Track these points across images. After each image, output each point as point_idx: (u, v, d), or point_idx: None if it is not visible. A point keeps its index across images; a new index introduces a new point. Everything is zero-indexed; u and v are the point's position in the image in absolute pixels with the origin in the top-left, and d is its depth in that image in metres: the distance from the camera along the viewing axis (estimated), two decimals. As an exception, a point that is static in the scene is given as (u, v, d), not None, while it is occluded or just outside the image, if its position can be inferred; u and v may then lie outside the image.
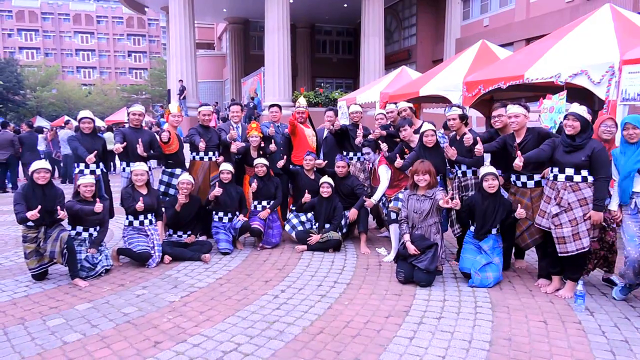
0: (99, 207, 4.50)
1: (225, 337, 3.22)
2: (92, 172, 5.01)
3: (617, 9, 6.16)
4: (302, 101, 6.31)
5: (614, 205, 3.75)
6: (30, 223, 4.23)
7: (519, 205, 4.16)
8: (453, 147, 4.62)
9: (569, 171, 3.81)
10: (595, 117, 5.19)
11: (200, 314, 3.64)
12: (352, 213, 5.45)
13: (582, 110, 3.81)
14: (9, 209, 6.09)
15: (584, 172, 3.76)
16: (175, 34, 19.40)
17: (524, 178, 4.22)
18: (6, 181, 10.97)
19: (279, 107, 6.30)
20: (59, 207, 4.29)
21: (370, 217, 5.90)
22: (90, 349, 3.06)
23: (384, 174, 5.33)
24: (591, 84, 5.31)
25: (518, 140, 4.21)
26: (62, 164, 12.59)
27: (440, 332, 3.32)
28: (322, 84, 23.45)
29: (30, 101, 43.47)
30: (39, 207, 4.13)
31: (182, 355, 2.98)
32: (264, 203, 5.67)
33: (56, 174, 13.05)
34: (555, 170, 3.90)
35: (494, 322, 3.47)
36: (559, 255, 3.87)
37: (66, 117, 24.85)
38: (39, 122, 22.94)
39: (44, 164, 4.40)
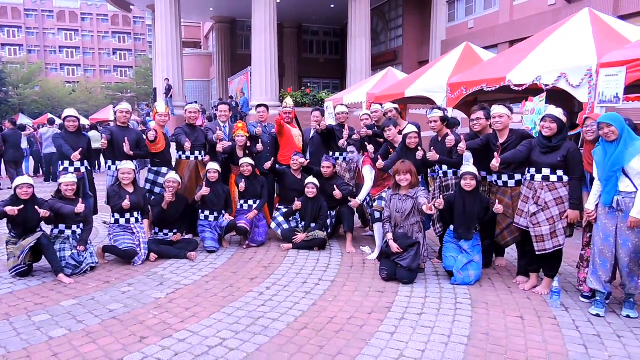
0: (80, 207, 4.55)
1: (210, 333, 3.28)
2: (77, 170, 5.01)
3: (596, 13, 6.34)
4: (289, 101, 6.37)
5: (590, 204, 3.76)
6: (12, 233, 4.41)
7: (497, 202, 4.28)
8: (433, 150, 4.73)
9: (546, 171, 3.94)
10: (574, 120, 5.34)
11: (185, 310, 3.68)
12: (337, 193, 5.50)
13: (558, 112, 3.94)
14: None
15: (560, 172, 3.89)
16: (162, 32, 19.28)
17: (505, 177, 4.34)
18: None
19: (267, 107, 6.37)
20: (38, 208, 4.35)
21: (356, 216, 5.98)
22: (76, 344, 3.09)
23: (368, 174, 5.42)
24: (570, 87, 5.46)
25: (501, 140, 4.33)
26: (43, 163, 12.46)
27: (421, 327, 3.41)
28: (309, 84, 23.46)
29: (12, 98, 42.71)
30: (21, 205, 4.22)
31: (167, 350, 3.03)
32: (250, 202, 5.72)
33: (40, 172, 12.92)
34: (533, 170, 4.03)
35: (472, 318, 3.57)
36: (537, 253, 4.00)
37: (49, 115, 24.54)
38: (22, 119, 22.56)
39: (27, 179, 4.49)
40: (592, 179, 3.79)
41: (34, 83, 46.49)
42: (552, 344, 3.15)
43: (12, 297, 3.92)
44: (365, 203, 5.68)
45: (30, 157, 13.49)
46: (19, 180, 4.46)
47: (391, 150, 5.20)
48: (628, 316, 3.57)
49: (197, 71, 31.98)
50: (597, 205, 3.72)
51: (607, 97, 5.17)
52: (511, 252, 5.11)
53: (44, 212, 4.35)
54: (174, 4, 19.24)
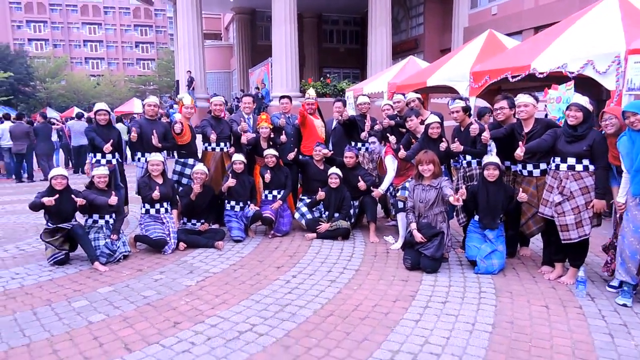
0: (113, 199, 4.74)
1: (240, 319, 3.40)
2: (109, 162, 5.19)
3: (625, -3, 6.18)
4: (311, 92, 6.43)
5: (621, 197, 3.70)
6: (49, 224, 4.60)
7: (521, 190, 4.28)
8: (457, 140, 4.73)
9: (571, 160, 3.92)
10: (602, 107, 5.27)
11: (216, 297, 3.82)
12: (362, 184, 5.54)
13: (584, 100, 3.91)
14: (27, 199, 6.30)
15: (586, 162, 3.87)
16: (183, 25, 19.49)
17: (529, 167, 4.33)
18: (22, 171, 11.23)
19: (290, 98, 6.44)
20: (74, 197, 4.54)
21: (379, 206, 6.04)
22: (115, 328, 3.26)
23: (391, 164, 5.46)
24: (597, 74, 5.37)
25: (526, 129, 4.31)
26: (72, 155, 12.83)
27: (445, 315, 3.47)
28: (330, 74, 23.44)
29: (40, 92, 43.85)
30: (57, 195, 4.42)
31: (200, 334, 3.16)
32: (275, 192, 5.83)
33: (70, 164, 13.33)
34: (558, 159, 4.01)
35: (497, 307, 3.61)
36: (562, 242, 3.99)
37: (76, 109, 25.10)
38: (50, 113, 23.21)
39: (61, 170, 4.69)
40: (620, 172, 3.74)
41: (60, 77, 47.60)
42: (578, 333, 3.17)
43: (52, 284, 4.13)
44: (388, 193, 5.72)
45: (60, 150, 13.89)
46: (54, 172, 4.65)
47: (413, 140, 5.23)
48: None
49: (217, 63, 32.24)
50: (626, 197, 3.65)
51: (636, 84, 5.08)
52: (536, 243, 5.10)
53: (80, 201, 4.54)
54: (196, -4, 19.41)
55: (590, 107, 3.91)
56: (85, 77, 52.34)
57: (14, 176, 11.26)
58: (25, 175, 11.24)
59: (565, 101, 5.71)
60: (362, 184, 5.54)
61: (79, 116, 13.26)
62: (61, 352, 2.94)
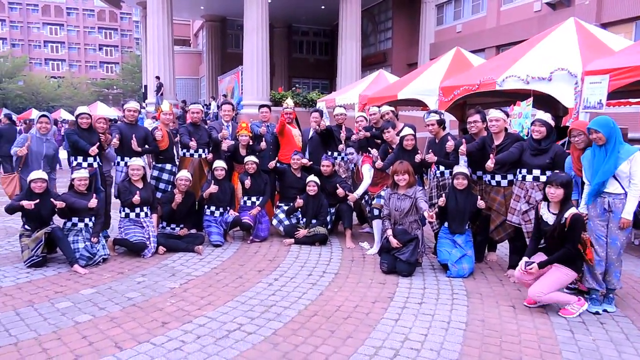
0: (93, 202, 4.76)
1: (228, 319, 3.51)
2: (90, 165, 5.19)
3: (581, 23, 6.70)
4: (289, 102, 6.61)
5: (582, 207, 3.96)
6: (26, 227, 4.64)
7: (493, 201, 4.59)
8: (431, 151, 5.02)
9: (536, 172, 4.26)
10: (558, 123, 5.66)
11: (201, 299, 3.91)
12: (341, 191, 5.77)
13: (547, 117, 4.27)
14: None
15: (549, 173, 4.19)
16: (153, 29, 19.30)
17: (498, 177, 4.65)
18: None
19: (269, 107, 6.61)
20: (54, 200, 4.55)
21: (354, 214, 6.25)
22: (103, 328, 3.30)
23: (367, 172, 5.70)
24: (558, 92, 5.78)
25: (497, 142, 4.63)
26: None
27: (422, 314, 3.69)
28: (299, 84, 23.71)
29: (-5, 92, 42.13)
30: (37, 200, 4.44)
31: (190, 333, 3.25)
32: (253, 199, 5.95)
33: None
34: (524, 171, 4.35)
35: (469, 307, 3.87)
36: (528, 247, 4.29)
37: (34, 112, 24.24)
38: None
39: (40, 174, 4.68)
40: (583, 184, 4.04)
41: (18, 77, 45.85)
42: (542, 329, 3.45)
43: (31, 286, 4.10)
44: (363, 201, 5.95)
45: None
46: (33, 175, 4.63)
47: (390, 150, 5.48)
48: (605, 311, 3.79)
49: (186, 69, 31.95)
50: (589, 208, 3.90)
51: (591, 103, 5.51)
52: (501, 249, 5.42)
53: (59, 204, 4.53)
54: (166, 1, 19.30)
55: (552, 123, 4.27)
56: (45, 78, 50.62)
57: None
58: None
59: (525, 116, 6.12)
60: (340, 191, 5.74)
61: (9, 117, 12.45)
62: (51, 350, 2.96)
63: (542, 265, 3.71)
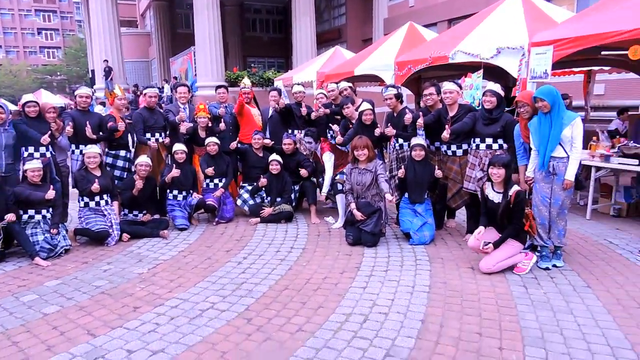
0: (50, 193, 4.64)
1: (199, 299, 3.55)
2: (43, 155, 5.00)
3: (527, -4, 6.95)
4: (247, 82, 6.56)
5: (529, 172, 4.25)
6: None
7: (449, 170, 4.80)
8: (390, 125, 5.15)
9: (489, 140, 4.48)
10: (508, 93, 5.92)
11: (170, 282, 3.92)
12: (304, 172, 5.89)
13: (497, 87, 4.47)
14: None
15: (500, 141, 4.45)
16: (97, 10, 18.44)
17: (453, 147, 4.85)
18: None
19: (226, 88, 6.54)
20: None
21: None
22: (72, 317, 3.27)
23: (328, 161, 5.82)
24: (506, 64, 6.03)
25: (451, 114, 4.81)
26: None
27: (388, 281, 3.87)
28: (254, 64, 23.36)
29: None
30: None
31: (163, 315, 3.28)
32: (216, 180, 5.93)
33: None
34: (477, 140, 4.56)
35: (431, 271, 4.08)
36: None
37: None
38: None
39: None
40: (530, 149, 4.28)
41: (-51, 66, 42.78)
42: (499, 287, 3.70)
43: (-9, 282, 3.98)
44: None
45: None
46: None
47: (350, 125, 5.58)
48: (555, 266, 4.10)
49: (135, 51, 30.70)
50: (534, 171, 4.19)
51: (537, 73, 5.78)
52: (459, 215, 5.68)
53: (9, 217, 4.39)
54: (110, -20, 18.42)
55: (502, 93, 4.48)
56: (-20, 66, 47.49)
57: None
58: None
59: (476, 87, 6.35)
60: (304, 172, 5.82)
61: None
62: (21, 343, 2.93)
63: (496, 245, 3.97)
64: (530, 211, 4.11)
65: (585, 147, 5.31)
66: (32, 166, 4.70)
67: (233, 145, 5.99)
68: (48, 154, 5.06)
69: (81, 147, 5.33)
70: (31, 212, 4.67)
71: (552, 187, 4.06)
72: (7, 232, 4.43)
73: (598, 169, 5.75)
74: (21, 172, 4.84)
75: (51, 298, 3.62)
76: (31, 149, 4.97)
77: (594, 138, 6.30)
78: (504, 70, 6.10)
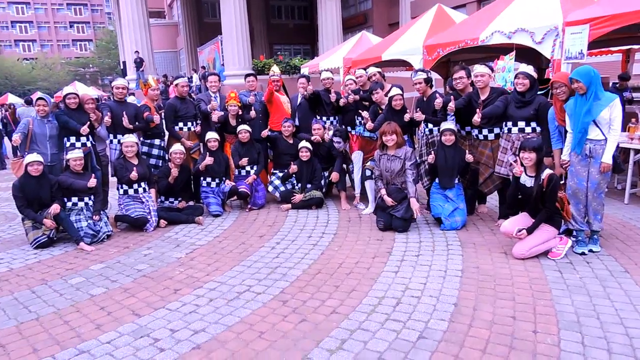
0: (92, 182, 4.84)
1: (236, 282, 3.68)
2: (84, 145, 5.22)
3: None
4: (275, 69, 6.61)
5: (565, 155, 4.15)
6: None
7: (481, 155, 4.75)
8: (419, 110, 5.13)
9: (521, 124, 4.41)
10: (541, 75, 5.79)
11: (208, 265, 4.06)
12: (334, 176, 5.93)
13: (530, 69, 4.39)
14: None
15: (533, 124, 4.37)
16: (126, 3, 18.80)
17: (485, 131, 4.80)
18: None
19: (255, 76, 6.60)
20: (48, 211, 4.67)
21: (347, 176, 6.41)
22: (118, 298, 3.45)
23: (358, 162, 5.89)
24: (535, 44, 5.87)
25: (483, 97, 4.75)
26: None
27: (420, 265, 3.90)
28: (280, 51, 23.40)
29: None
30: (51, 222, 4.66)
31: (202, 297, 3.42)
32: (248, 168, 6.04)
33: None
34: (510, 123, 4.50)
35: (463, 256, 4.08)
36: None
37: (11, 96, 23.67)
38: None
39: (36, 157, 4.69)
40: (567, 132, 4.19)
41: (-13, 62, 44.42)
42: (533, 272, 3.68)
43: (41, 266, 4.21)
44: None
45: (6, 138, 13.28)
46: (29, 158, 4.66)
47: (380, 111, 5.58)
48: (591, 251, 4.02)
49: (163, 42, 31.21)
50: (570, 154, 4.08)
51: (572, 53, 5.63)
52: (491, 201, 5.64)
53: (54, 208, 4.63)
54: (138, -28, 18.71)
55: (535, 75, 4.39)
56: (17, 61, 49.04)
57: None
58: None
59: (508, 70, 6.23)
60: (335, 176, 5.94)
61: (29, 102, 12.71)
62: (72, 322, 3.11)
63: (530, 231, 3.92)
64: (564, 195, 4.03)
65: (623, 129, 5.17)
66: (74, 155, 4.91)
67: (264, 133, 6.09)
68: (89, 144, 5.28)
69: (119, 136, 5.52)
70: (74, 199, 4.90)
71: (588, 170, 3.97)
72: (54, 219, 4.66)
73: (637, 151, 5.58)
74: (64, 161, 5.05)
75: (97, 280, 3.81)
76: (73, 139, 5.19)
77: (633, 120, 6.10)
78: (536, 52, 5.96)
